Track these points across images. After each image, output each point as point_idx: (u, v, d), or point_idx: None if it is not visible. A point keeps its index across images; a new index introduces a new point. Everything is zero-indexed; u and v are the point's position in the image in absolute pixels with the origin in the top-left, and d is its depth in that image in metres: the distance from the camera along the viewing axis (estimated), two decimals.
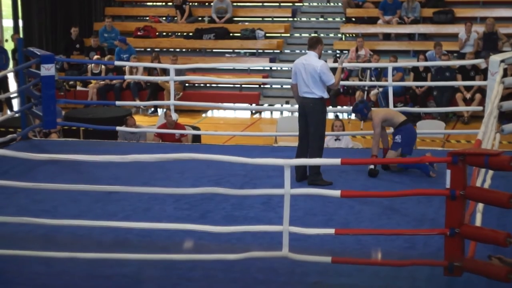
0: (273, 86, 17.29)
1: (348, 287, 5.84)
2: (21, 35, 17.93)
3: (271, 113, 16.29)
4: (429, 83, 14.93)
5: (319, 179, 8.11)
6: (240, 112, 16.57)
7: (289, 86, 8.68)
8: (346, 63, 15.31)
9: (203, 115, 16.24)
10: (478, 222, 6.04)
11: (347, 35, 17.95)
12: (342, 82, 14.72)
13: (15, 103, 16.00)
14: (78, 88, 16.96)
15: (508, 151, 6.22)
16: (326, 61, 8.67)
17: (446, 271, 5.48)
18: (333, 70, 8.44)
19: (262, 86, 17.00)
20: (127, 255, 6.01)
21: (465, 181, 5.39)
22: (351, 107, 9.32)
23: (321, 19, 18.78)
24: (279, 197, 6.00)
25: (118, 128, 10.66)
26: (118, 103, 12.30)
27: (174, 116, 10.69)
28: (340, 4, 18.70)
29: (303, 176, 8.18)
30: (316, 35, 9.09)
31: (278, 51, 17.85)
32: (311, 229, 5.89)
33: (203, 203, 7.47)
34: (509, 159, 5.20)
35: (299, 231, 5.78)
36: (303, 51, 15.73)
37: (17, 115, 10.63)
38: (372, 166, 8.46)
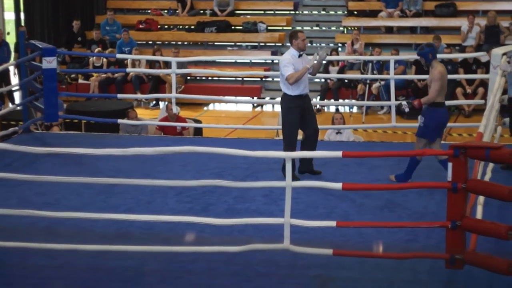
0: (275, 79, 17.21)
1: (349, 280, 5.85)
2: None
3: (273, 106, 16.26)
4: None
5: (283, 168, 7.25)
6: (242, 105, 16.55)
7: None
8: (346, 55, 15.33)
9: (205, 108, 16.23)
10: (479, 215, 6.05)
11: (349, 28, 17.92)
12: (343, 75, 14.84)
13: (17, 96, 16.00)
14: (80, 81, 16.94)
15: (509, 145, 6.23)
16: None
17: (448, 264, 5.50)
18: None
19: (263, 79, 16.98)
20: (129, 247, 6.02)
21: (466, 174, 5.41)
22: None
23: (323, 12, 18.75)
24: (281, 189, 6.01)
25: (119, 121, 10.66)
26: (119, 96, 12.27)
27: (176, 109, 10.70)
28: None
29: (306, 168, 8.16)
30: (294, 29, 8.77)
31: (280, 44, 17.81)
32: (312, 222, 5.91)
33: (205, 196, 7.48)
34: (510, 152, 5.21)
35: (300, 224, 5.80)
36: None
37: (18, 108, 10.62)
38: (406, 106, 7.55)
